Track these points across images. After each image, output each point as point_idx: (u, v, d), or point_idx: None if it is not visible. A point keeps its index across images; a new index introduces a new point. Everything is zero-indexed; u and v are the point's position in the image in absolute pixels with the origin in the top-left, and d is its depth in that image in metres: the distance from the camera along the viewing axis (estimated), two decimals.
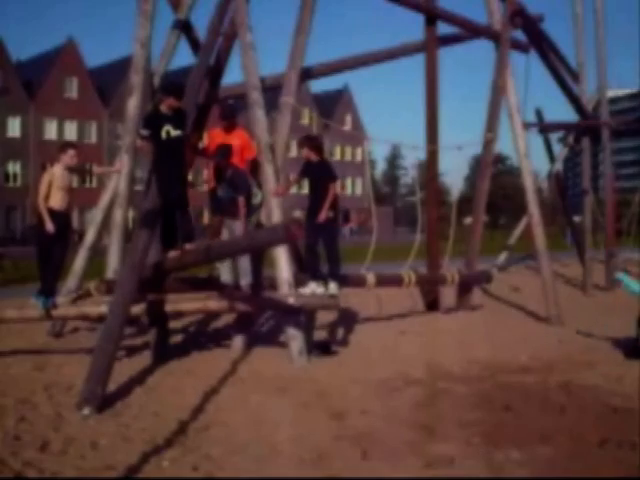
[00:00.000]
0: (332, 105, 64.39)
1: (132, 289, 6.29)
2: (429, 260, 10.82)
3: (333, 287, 7.27)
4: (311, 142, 7.46)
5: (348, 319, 9.77)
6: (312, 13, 8.42)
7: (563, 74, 13.56)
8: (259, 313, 9.19)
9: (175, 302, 7.29)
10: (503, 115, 10.67)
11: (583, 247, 15.05)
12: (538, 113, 15.98)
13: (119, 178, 8.15)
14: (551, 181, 18.49)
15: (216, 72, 9.16)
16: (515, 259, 19.98)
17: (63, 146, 7.68)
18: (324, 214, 7.09)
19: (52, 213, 7.15)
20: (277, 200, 7.65)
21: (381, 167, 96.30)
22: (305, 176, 7.51)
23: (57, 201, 7.22)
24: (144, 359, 7.18)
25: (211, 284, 7.93)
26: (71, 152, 7.48)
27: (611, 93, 18.37)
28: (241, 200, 7.42)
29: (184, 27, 9.15)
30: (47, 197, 7.20)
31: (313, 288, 7.25)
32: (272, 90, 9.13)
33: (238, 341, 7.88)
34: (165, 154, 6.34)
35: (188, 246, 6.92)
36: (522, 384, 6.27)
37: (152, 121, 6.35)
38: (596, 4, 14.67)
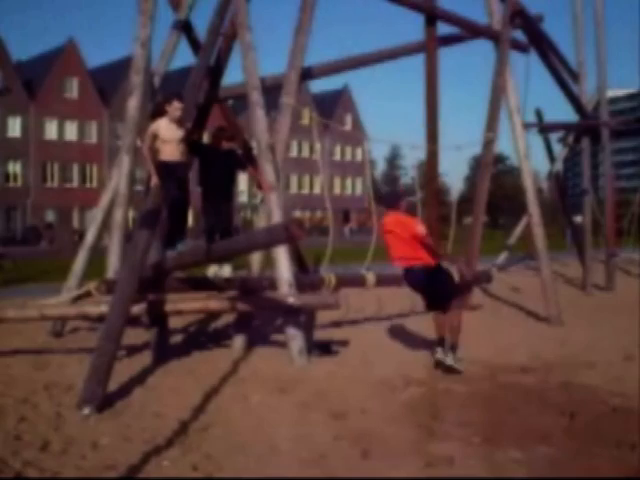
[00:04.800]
0: (332, 105, 64.41)
1: (132, 289, 6.29)
2: None
3: (227, 270, 7.51)
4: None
5: (348, 319, 9.77)
6: (312, 13, 8.43)
7: (563, 74, 13.55)
8: (259, 313, 9.18)
9: (175, 302, 7.29)
10: (503, 115, 10.68)
11: (583, 247, 15.05)
12: (538, 113, 15.97)
13: (119, 178, 8.16)
14: (551, 181, 18.49)
15: (216, 72, 9.16)
16: (515, 259, 19.98)
17: (167, 98, 6.95)
18: None
19: (166, 165, 6.82)
20: (277, 200, 7.65)
21: (381, 167, 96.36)
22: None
23: (167, 154, 6.88)
24: (144, 359, 7.18)
25: (211, 284, 7.93)
26: (176, 104, 6.78)
27: (611, 93, 18.34)
28: None
29: (184, 27, 9.15)
30: (153, 150, 6.77)
31: (215, 270, 7.47)
32: (272, 90, 9.14)
33: (238, 341, 7.88)
34: None
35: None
36: (522, 384, 6.27)
37: None
38: (596, 4, 14.68)
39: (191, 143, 7.23)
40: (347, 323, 9.59)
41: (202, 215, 7.55)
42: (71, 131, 51.59)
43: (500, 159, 77.41)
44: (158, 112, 7.27)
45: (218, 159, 7.44)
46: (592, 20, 14.70)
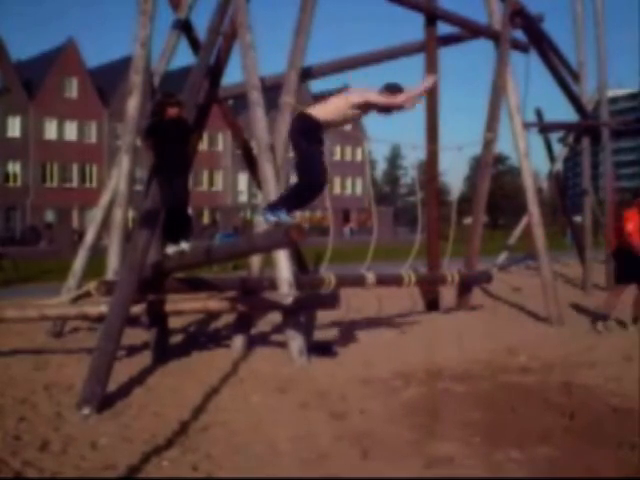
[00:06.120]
0: None
1: (132, 289, 6.29)
2: (429, 260, 10.83)
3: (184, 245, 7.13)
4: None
5: (348, 319, 9.77)
6: (312, 13, 8.43)
7: (563, 74, 13.55)
8: (259, 313, 9.18)
9: (175, 302, 7.29)
10: (503, 115, 10.67)
11: (583, 247, 15.05)
12: (538, 113, 15.97)
13: (119, 178, 8.15)
14: (551, 181, 18.50)
15: (216, 72, 9.16)
16: (515, 259, 19.99)
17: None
18: None
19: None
20: None
21: (381, 167, 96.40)
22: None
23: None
24: (144, 359, 7.18)
25: (211, 284, 7.93)
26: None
27: (611, 93, 18.35)
28: None
29: (184, 27, 9.15)
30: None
31: (175, 248, 7.09)
32: (272, 90, 9.14)
33: (238, 341, 7.87)
34: None
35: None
36: (522, 384, 6.27)
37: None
38: (596, 4, 14.67)
39: (150, 125, 7.15)
40: (347, 323, 9.59)
41: (159, 190, 7.02)
42: (71, 131, 51.57)
43: (500, 159, 77.45)
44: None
45: (169, 131, 7.23)
46: (592, 20, 14.70)
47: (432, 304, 10.87)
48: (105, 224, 8.62)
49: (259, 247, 6.69)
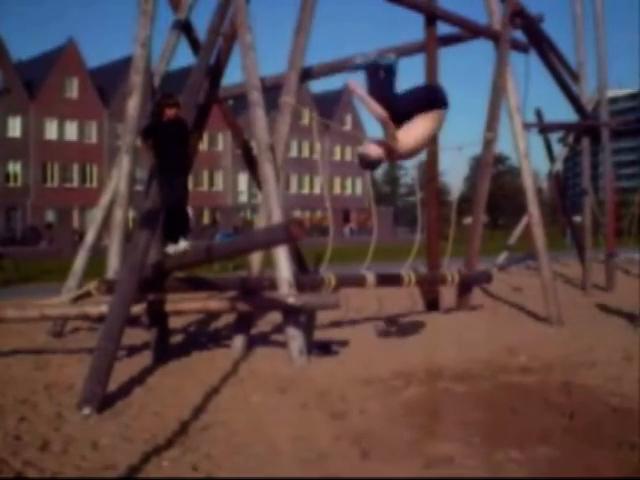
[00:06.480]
0: (332, 105, 64.39)
1: (132, 289, 6.29)
2: (429, 260, 10.83)
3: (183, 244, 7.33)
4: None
5: (348, 319, 9.77)
6: (312, 13, 8.43)
7: (563, 74, 13.55)
8: (259, 313, 9.18)
9: (175, 302, 7.29)
10: (503, 115, 10.67)
11: (583, 247, 15.05)
12: (538, 113, 15.97)
13: (119, 178, 8.15)
14: (551, 181, 18.50)
15: (216, 72, 9.17)
16: (515, 259, 19.99)
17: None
18: None
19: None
20: (277, 200, 7.66)
21: (381, 167, 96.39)
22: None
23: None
24: (144, 359, 7.18)
25: (211, 284, 7.94)
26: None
27: (611, 93, 18.35)
28: None
29: (184, 27, 9.16)
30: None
31: (175, 248, 7.31)
32: (272, 90, 9.14)
33: (238, 341, 7.87)
34: None
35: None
36: (522, 384, 6.27)
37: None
38: (596, 4, 14.66)
39: (149, 125, 7.32)
40: (347, 323, 9.59)
41: (159, 190, 7.14)
42: (71, 131, 51.61)
43: (500, 159, 77.49)
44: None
45: (168, 132, 7.20)
46: (592, 20, 14.70)
47: (432, 304, 10.87)
48: (105, 224, 8.62)
49: (259, 244, 6.70)
